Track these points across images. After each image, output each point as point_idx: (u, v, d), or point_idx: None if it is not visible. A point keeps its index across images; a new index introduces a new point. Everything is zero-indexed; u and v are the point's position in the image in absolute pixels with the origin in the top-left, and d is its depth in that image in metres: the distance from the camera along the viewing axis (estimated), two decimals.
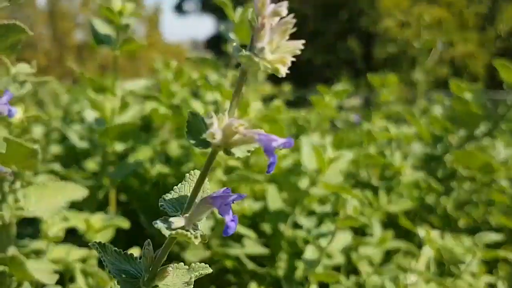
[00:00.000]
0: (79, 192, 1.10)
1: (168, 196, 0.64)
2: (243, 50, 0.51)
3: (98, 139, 1.45)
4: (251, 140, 0.54)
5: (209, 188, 0.64)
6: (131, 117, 1.44)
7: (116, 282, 0.68)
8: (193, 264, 0.69)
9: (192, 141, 0.55)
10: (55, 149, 1.77)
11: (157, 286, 0.68)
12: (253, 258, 1.48)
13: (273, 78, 2.78)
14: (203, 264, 0.70)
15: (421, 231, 1.36)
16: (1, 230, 1.00)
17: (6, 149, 0.89)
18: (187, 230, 0.60)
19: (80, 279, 1.14)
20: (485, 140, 2.13)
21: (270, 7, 0.50)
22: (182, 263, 0.69)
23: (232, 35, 1.29)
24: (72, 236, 1.45)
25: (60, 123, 1.94)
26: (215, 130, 0.52)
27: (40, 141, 1.78)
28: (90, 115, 1.47)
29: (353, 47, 14.11)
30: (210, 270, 0.69)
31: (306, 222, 1.46)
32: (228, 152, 0.55)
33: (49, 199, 1.06)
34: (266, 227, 1.59)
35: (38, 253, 1.17)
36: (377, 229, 1.50)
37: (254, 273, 1.45)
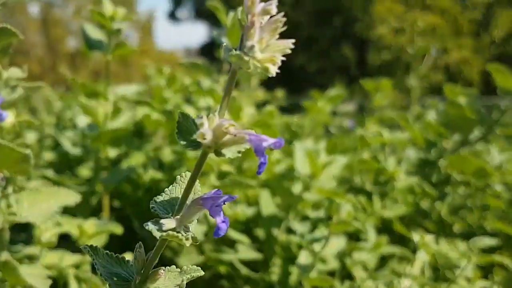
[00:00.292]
0: (72, 197, 1.10)
1: (159, 198, 0.63)
2: (233, 50, 0.51)
3: (90, 144, 1.45)
4: (242, 141, 0.53)
5: (200, 190, 0.64)
6: (124, 123, 1.44)
7: (108, 285, 0.68)
8: (185, 267, 0.69)
9: (183, 142, 0.55)
10: (48, 155, 1.76)
11: None
12: (247, 263, 1.47)
13: (267, 84, 2.80)
14: (194, 267, 0.69)
15: (416, 236, 1.36)
16: None
17: None
18: (178, 232, 0.59)
19: (73, 285, 1.13)
20: (479, 145, 2.14)
21: (260, 6, 0.50)
22: (174, 266, 0.69)
23: (224, 40, 1.30)
24: (66, 242, 1.44)
25: (53, 130, 1.94)
26: (205, 131, 0.52)
27: (33, 147, 1.78)
28: (83, 120, 1.47)
29: (347, 54, 14.18)
30: (201, 273, 0.69)
31: (300, 227, 1.46)
32: (218, 153, 0.55)
33: (42, 205, 1.06)
34: (260, 232, 1.59)
35: (31, 259, 1.16)
36: (371, 235, 1.50)
37: (247, 278, 1.45)
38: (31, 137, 1.74)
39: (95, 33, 1.37)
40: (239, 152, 0.55)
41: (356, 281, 1.39)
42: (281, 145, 0.53)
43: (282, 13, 0.52)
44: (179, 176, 0.64)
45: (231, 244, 1.50)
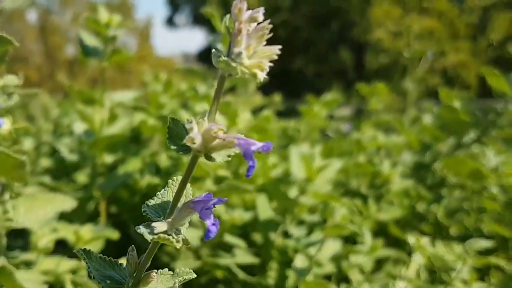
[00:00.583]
0: (68, 203, 1.11)
1: (152, 202, 0.64)
2: (222, 56, 0.52)
3: (87, 150, 1.45)
4: (231, 145, 0.54)
5: (192, 193, 0.65)
6: (120, 129, 1.45)
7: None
8: (177, 270, 0.70)
9: (173, 147, 0.56)
10: (45, 162, 1.77)
11: None
12: (244, 267, 1.48)
13: (265, 88, 2.80)
14: (187, 269, 0.70)
15: (411, 238, 1.37)
16: None
17: None
18: (169, 234, 0.60)
19: None
20: (475, 148, 2.14)
21: (247, 13, 0.51)
22: (166, 269, 0.70)
23: (219, 45, 1.31)
24: (62, 248, 1.45)
25: (50, 137, 1.95)
26: (195, 135, 0.53)
27: (30, 154, 1.79)
28: (79, 127, 1.47)
29: (344, 57, 14.22)
30: (194, 276, 0.69)
31: (296, 231, 1.46)
32: (208, 157, 0.56)
33: (39, 210, 1.07)
34: (257, 237, 1.59)
35: (28, 264, 1.17)
36: (367, 238, 1.51)
37: (244, 282, 1.45)
38: (28, 144, 1.75)
39: (91, 40, 1.38)
40: (228, 156, 0.56)
41: (352, 284, 1.39)
42: (269, 148, 0.54)
43: (268, 20, 0.53)
44: (170, 181, 0.65)
45: (229, 248, 1.51)
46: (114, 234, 1.23)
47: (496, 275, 1.68)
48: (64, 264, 1.20)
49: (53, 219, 1.08)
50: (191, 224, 1.23)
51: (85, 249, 0.69)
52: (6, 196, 1.08)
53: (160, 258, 1.41)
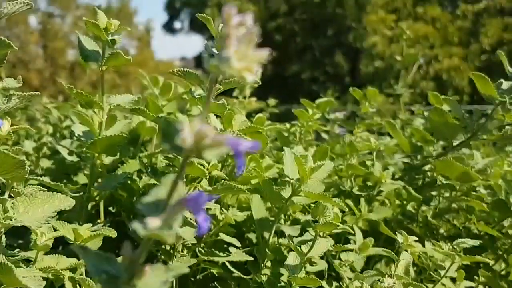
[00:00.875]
0: (67, 202, 1.14)
1: (146, 199, 0.68)
2: (212, 59, 0.55)
3: (86, 152, 1.49)
4: (221, 144, 0.58)
5: (184, 191, 0.68)
6: (119, 131, 1.49)
7: (98, 282, 0.72)
8: (170, 264, 0.73)
9: (166, 147, 0.59)
10: (45, 163, 1.81)
11: (136, 285, 0.71)
12: (239, 265, 1.52)
13: (261, 92, 2.84)
14: (180, 264, 0.74)
15: (400, 237, 1.41)
16: None
17: None
18: (162, 230, 0.64)
19: (68, 287, 1.17)
20: (464, 150, 2.19)
21: (236, 18, 0.55)
22: (160, 264, 0.73)
23: (214, 50, 1.34)
24: (61, 247, 1.48)
25: (50, 138, 1.99)
26: (186, 135, 0.56)
27: (30, 155, 1.83)
28: (79, 128, 1.51)
29: (340, 63, 14.33)
30: (187, 270, 0.73)
31: (289, 230, 1.50)
32: (200, 156, 0.60)
33: (37, 209, 1.10)
34: (252, 236, 1.63)
35: (27, 262, 1.20)
36: (358, 237, 1.55)
37: (240, 280, 1.49)
38: (28, 145, 1.79)
39: (90, 44, 1.42)
40: (219, 155, 0.59)
41: (344, 282, 1.43)
42: (257, 148, 0.58)
43: (257, 25, 0.57)
44: (164, 179, 0.68)
45: (224, 247, 1.55)
46: (112, 233, 1.26)
47: (484, 274, 1.72)
48: (63, 262, 1.23)
49: (52, 218, 1.11)
50: (188, 222, 1.28)
51: (81, 245, 0.73)
52: (6, 195, 1.12)
53: (158, 255, 1.44)
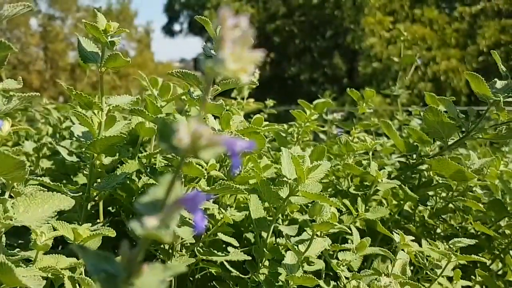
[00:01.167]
0: (66, 202, 1.15)
1: (144, 199, 0.69)
2: (208, 60, 0.56)
3: (85, 152, 1.50)
4: (217, 144, 0.59)
5: (182, 191, 0.69)
6: (118, 131, 1.50)
7: (96, 280, 0.73)
8: (168, 263, 0.75)
9: (163, 147, 0.61)
10: (45, 163, 1.82)
11: (134, 284, 0.73)
12: (237, 265, 1.53)
13: (259, 94, 2.86)
14: (178, 263, 0.75)
15: (397, 236, 1.42)
16: None
17: None
18: (159, 229, 0.65)
19: (68, 286, 1.18)
20: (460, 150, 2.20)
21: (231, 20, 0.56)
22: (158, 263, 0.75)
23: (212, 51, 1.36)
24: (61, 247, 1.50)
25: (50, 139, 2.00)
26: (182, 136, 0.58)
27: (30, 156, 1.84)
28: (78, 129, 1.52)
29: (338, 64, 14.38)
30: (185, 269, 0.74)
31: (287, 230, 1.51)
32: (196, 156, 0.61)
33: (37, 209, 1.11)
34: (249, 235, 1.64)
35: (27, 262, 1.21)
36: (355, 236, 1.56)
37: (238, 279, 1.51)
38: (28, 145, 1.80)
39: (90, 46, 1.43)
40: (215, 155, 0.61)
41: (341, 281, 1.44)
42: (253, 148, 0.59)
43: (253, 27, 0.58)
44: (162, 179, 0.70)
45: (223, 247, 1.56)
46: (111, 232, 1.27)
47: (481, 273, 1.73)
48: (63, 262, 1.25)
49: (52, 217, 1.13)
50: (187, 222, 1.29)
51: (81, 245, 0.74)
52: (6, 195, 1.14)
53: (157, 255, 1.46)
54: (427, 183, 1.79)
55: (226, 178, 1.52)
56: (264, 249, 1.50)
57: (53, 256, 1.27)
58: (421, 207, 1.99)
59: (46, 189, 1.21)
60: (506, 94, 1.52)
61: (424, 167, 1.85)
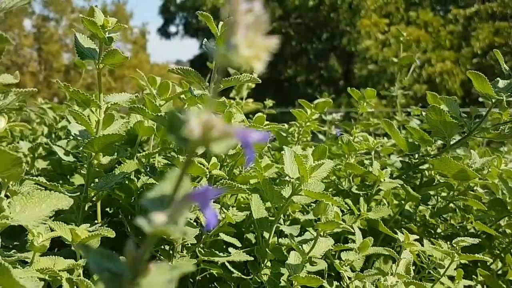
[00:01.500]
0: (64, 201, 1.12)
1: (150, 194, 0.66)
2: (220, 48, 0.53)
3: (83, 151, 1.47)
4: (229, 135, 0.56)
5: (189, 186, 0.67)
6: (116, 130, 1.47)
7: (100, 280, 0.70)
8: (175, 262, 0.72)
9: (173, 139, 0.58)
10: (41, 164, 1.79)
11: (140, 284, 0.70)
12: (238, 265, 1.51)
13: (256, 95, 2.84)
14: (185, 262, 0.72)
15: (401, 235, 1.40)
16: None
17: None
18: (168, 226, 0.62)
19: None
20: (461, 149, 2.19)
21: (244, 5, 0.53)
22: (164, 262, 0.72)
23: (215, 48, 1.34)
24: (58, 248, 1.46)
25: (45, 139, 1.96)
26: (193, 127, 0.55)
27: (26, 156, 1.81)
28: (75, 127, 1.49)
29: (334, 66, 14.42)
30: (192, 268, 0.71)
31: (289, 230, 1.49)
32: (207, 149, 0.58)
33: (34, 208, 1.08)
34: (251, 236, 1.62)
35: (24, 263, 1.18)
36: (358, 236, 1.54)
37: (240, 280, 1.48)
38: (24, 145, 1.76)
39: (87, 42, 1.40)
40: (227, 147, 0.58)
41: (344, 281, 1.42)
42: (266, 139, 0.56)
43: (267, 11, 0.54)
44: (168, 173, 0.67)
45: (224, 247, 1.53)
46: (110, 233, 1.24)
47: (483, 273, 1.71)
48: (60, 263, 1.21)
49: (49, 217, 1.09)
50: (188, 222, 1.26)
51: (83, 243, 0.71)
52: (2, 194, 1.10)
53: (158, 256, 1.43)
54: (428, 183, 1.77)
55: (227, 178, 1.49)
56: (267, 250, 1.48)
57: (50, 257, 1.23)
58: (421, 207, 1.98)
59: (43, 189, 1.18)
60: (509, 93, 1.51)
61: (425, 166, 1.83)
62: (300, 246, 1.32)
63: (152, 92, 1.78)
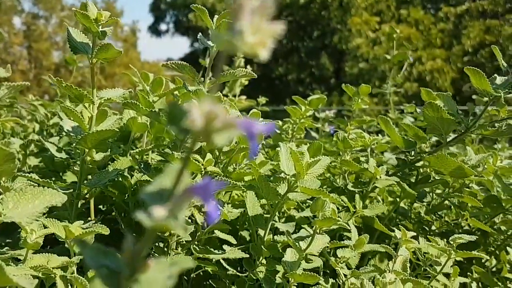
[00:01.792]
0: (58, 197, 1.10)
1: (149, 188, 0.65)
2: (223, 34, 0.51)
3: (75, 147, 1.45)
4: (232, 126, 0.55)
5: (188, 179, 0.65)
6: (110, 126, 1.45)
7: (97, 277, 0.68)
8: (174, 258, 0.70)
9: (174, 130, 0.56)
10: (33, 161, 1.76)
11: (139, 280, 0.68)
12: (233, 263, 1.49)
13: (247, 94, 2.83)
14: (184, 258, 0.71)
15: (398, 233, 1.39)
16: None
17: None
18: (169, 220, 0.61)
19: (60, 286, 1.13)
20: (457, 146, 2.19)
21: None
22: (163, 259, 0.70)
23: (209, 42, 1.32)
24: (51, 246, 1.44)
25: (37, 136, 1.93)
26: (196, 117, 0.53)
27: (17, 153, 1.77)
28: (68, 124, 1.47)
29: (325, 64, 14.44)
30: (192, 264, 0.70)
31: (285, 227, 1.48)
32: (209, 140, 0.56)
33: (28, 204, 1.06)
34: (245, 233, 1.60)
35: (17, 261, 1.16)
36: (354, 233, 1.53)
37: (235, 277, 1.46)
38: (15, 142, 1.73)
39: (80, 36, 1.38)
40: (230, 138, 0.56)
41: (340, 278, 1.41)
42: (272, 129, 0.54)
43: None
44: (168, 167, 0.65)
45: (219, 245, 1.52)
46: (105, 230, 1.22)
47: (478, 270, 1.71)
48: (54, 261, 1.19)
49: (43, 213, 1.07)
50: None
51: (79, 239, 0.69)
52: None
53: (151, 254, 1.41)
54: (424, 180, 1.76)
55: (222, 174, 1.48)
56: (262, 247, 1.47)
57: (43, 255, 1.21)
58: (416, 204, 1.98)
59: (36, 186, 1.16)
60: (506, 90, 1.51)
61: (420, 163, 1.83)
62: (297, 243, 1.31)
63: (146, 88, 1.76)
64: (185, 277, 1.55)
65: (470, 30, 12.66)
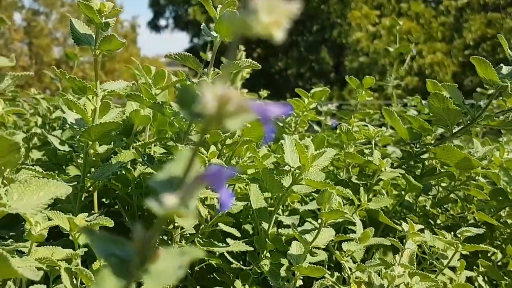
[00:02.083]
0: (63, 189, 1.08)
1: (159, 176, 0.63)
2: (236, 16, 0.49)
3: (79, 140, 1.43)
4: (246, 110, 0.53)
5: (198, 167, 0.64)
6: (113, 118, 1.44)
7: (106, 265, 0.67)
8: (185, 248, 0.69)
9: (185, 114, 0.55)
10: (36, 154, 1.75)
11: (149, 269, 0.67)
12: (238, 256, 1.48)
13: (249, 87, 2.81)
14: (194, 248, 0.70)
15: (405, 226, 1.38)
16: None
17: None
18: (180, 207, 0.59)
19: (65, 277, 1.12)
20: (461, 140, 2.18)
21: None
22: (173, 248, 0.69)
23: (213, 33, 1.31)
24: (55, 239, 1.43)
25: (39, 130, 1.92)
26: (209, 100, 0.51)
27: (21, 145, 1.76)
28: (71, 116, 1.46)
29: (325, 58, 14.40)
30: (202, 254, 0.68)
31: (289, 220, 1.47)
32: (221, 124, 0.55)
33: (32, 196, 1.04)
34: (249, 227, 1.59)
35: (22, 253, 1.15)
36: (359, 226, 1.52)
37: (239, 270, 1.46)
38: (18, 135, 1.72)
39: (83, 28, 1.36)
40: (243, 123, 0.54)
41: (345, 272, 1.40)
42: (288, 112, 0.53)
43: None
44: (178, 153, 0.64)
45: (222, 238, 1.51)
46: (109, 222, 1.21)
47: (484, 263, 1.70)
48: (58, 253, 1.18)
49: (47, 205, 1.06)
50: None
51: (87, 228, 0.68)
52: None
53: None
54: (430, 172, 1.75)
55: (226, 167, 1.47)
56: (266, 240, 1.46)
57: (48, 247, 1.20)
58: (421, 197, 1.96)
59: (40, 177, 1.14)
60: None
61: (425, 156, 1.82)
62: (303, 236, 1.29)
63: (148, 81, 1.75)
64: (189, 270, 1.54)
65: (471, 23, 12.60)
